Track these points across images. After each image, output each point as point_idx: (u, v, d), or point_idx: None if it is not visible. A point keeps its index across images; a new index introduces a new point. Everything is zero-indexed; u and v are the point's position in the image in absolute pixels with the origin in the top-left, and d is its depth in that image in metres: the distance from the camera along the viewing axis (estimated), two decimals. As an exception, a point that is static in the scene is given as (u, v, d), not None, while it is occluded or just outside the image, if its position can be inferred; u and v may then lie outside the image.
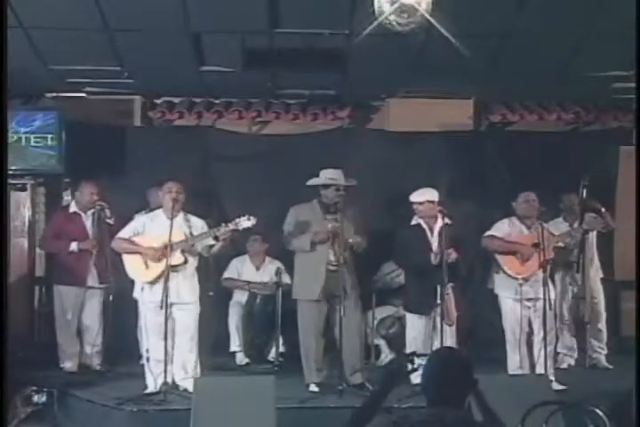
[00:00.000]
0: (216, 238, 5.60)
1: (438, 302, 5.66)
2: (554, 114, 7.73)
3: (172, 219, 5.55)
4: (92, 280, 6.45)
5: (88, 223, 6.51)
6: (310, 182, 5.91)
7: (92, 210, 6.47)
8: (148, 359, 5.69)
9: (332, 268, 5.71)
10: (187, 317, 5.70)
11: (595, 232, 6.58)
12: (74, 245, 6.42)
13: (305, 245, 5.80)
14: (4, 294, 4.65)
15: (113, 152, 7.37)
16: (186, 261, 5.68)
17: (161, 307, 5.46)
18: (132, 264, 5.74)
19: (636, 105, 6.08)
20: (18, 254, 7.08)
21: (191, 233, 5.69)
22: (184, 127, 7.71)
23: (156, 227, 5.71)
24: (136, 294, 5.77)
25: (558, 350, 6.49)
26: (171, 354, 5.63)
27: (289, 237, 5.94)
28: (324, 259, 5.73)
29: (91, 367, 6.50)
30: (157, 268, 5.60)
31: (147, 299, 5.66)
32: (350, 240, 5.74)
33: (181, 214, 5.74)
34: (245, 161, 7.52)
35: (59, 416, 5.62)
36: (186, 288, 5.71)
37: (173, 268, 5.58)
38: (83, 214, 6.56)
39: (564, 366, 6.55)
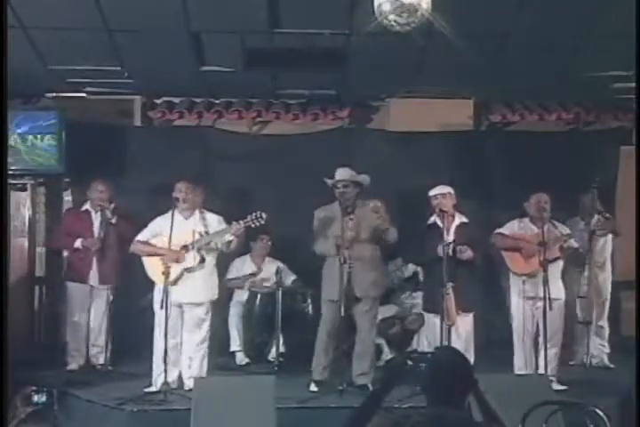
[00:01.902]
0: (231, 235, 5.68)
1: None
2: (554, 114, 7.74)
3: (172, 220, 5.61)
4: (94, 280, 6.47)
5: (97, 222, 6.54)
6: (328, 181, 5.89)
7: (103, 208, 6.51)
8: (165, 360, 5.70)
9: (351, 268, 5.66)
10: (202, 316, 5.78)
11: (610, 235, 6.63)
12: (78, 243, 6.48)
13: (330, 250, 5.74)
14: (4, 294, 4.65)
15: (113, 152, 7.38)
16: (202, 261, 5.72)
17: (161, 307, 5.52)
18: (153, 266, 5.77)
19: (636, 105, 6.09)
20: (18, 254, 7.08)
21: (207, 232, 5.74)
22: (184, 127, 7.72)
23: (173, 228, 5.72)
24: (156, 295, 5.79)
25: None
26: (179, 353, 5.75)
27: (317, 243, 5.88)
28: (343, 260, 5.63)
29: (93, 367, 6.52)
30: (176, 269, 5.65)
31: (165, 299, 5.66)
32: (371, 204, 5.69)
33: (197, 212, 5.81)
34: (245, 161, 7.52)
35: (59, 416, 5.62)
36: (202, 287, 5.78)
37: (190, 268, 5.68)
38: (93, 213, 6.60)
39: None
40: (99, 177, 6.65)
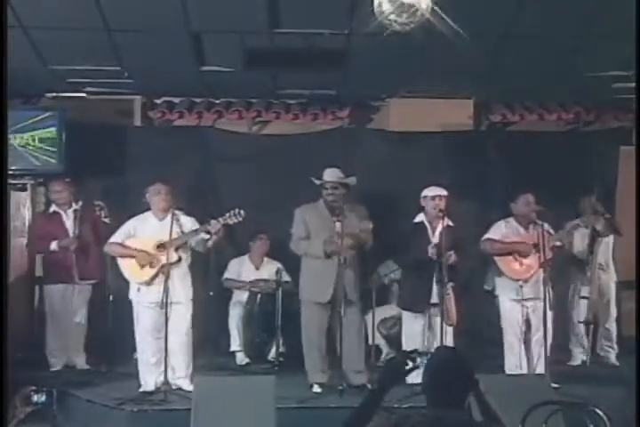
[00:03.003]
0: (208, 233, 5.66)
1: (435, 301, 5.71)
2: (554, 114, 7.73)
3: (171, 220, 5.62)
4: (76, 277, 6.50)
5: (69, 222, 6.58)
6: (316, 181, 5.91)
7: (74, 208, 6.52)
8: (144, 359, 5.72)
9: (339, 270, 5.68)
10: (181, 315, 5.78)
11: (612, 236, 6.65)
12: (54, 244, 6.50)
13: (318, 253, 5.76)
14: (4, 294, 4.65)
15: (113, 152, 7.38)
16: (179, 260, 5.75)
17: (161, 307, 5.54)
18: (127, 266, 5.81)
19: (636, 105, 6.09)
20: (18, 254, 7.07)
21: (182, 231, 5.75)
22: (184, 127, 7.71)
23: (146, 229, 5.80)
24: (132, 294, 5.81)
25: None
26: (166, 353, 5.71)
27: (298, 242, 5.92)
28: (334, 262, 5.68)
29: (90, 367, 6.53)
30: (152, 268, 5.69)
31: (143, 299, 5.72)
32: (361, 225, 5.72)
33: (170, 214, 5.76)
34: (245, 161, 7.52)
35: (58, 416, 5.61)
36: (180, 287, 5.79)
37: (167, 267, 5.66)
38: (62, 213, 6.64)
39: (577, 362, 6.60)
40: (60, 175, 6.75)
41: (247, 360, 6.76)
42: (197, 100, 7.77)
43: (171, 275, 5.67)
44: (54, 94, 7.48)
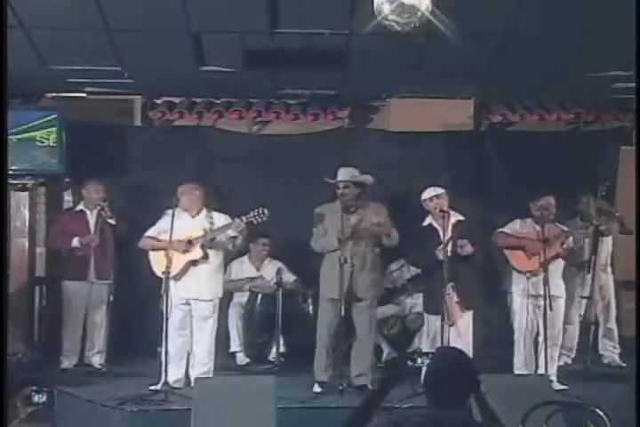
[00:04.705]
0: (234, 231, 5.75)
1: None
2: (554, 114, 7.73)
3: (172, 219, 5.65)
4: (91, 276, 6.51)
5: (92, 221, 6.62)
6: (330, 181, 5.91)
7: (99, 208, 6.54)
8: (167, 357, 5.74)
9: (350, 268, 5.67)
10: (206, 314, 5.84)
11: (611, 236, 6.63)
12: (75, 241, 6.53)
13: (330, 247, 5.73)
14: (4, 294, 4.66)
15: (113, 152, 7.38)
16: (205, 256, 5.77)
17: (162, 307, 5.53)
18: (157, 261, 5.84)
19: (636, 105, 6.09)
20: (18, 254, 7.07)
21: (211, 229, 5.81)
22: (184, 127, 7.71)
23: (180, 225, 5.78)
24: (163, 290, 5.79)
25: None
26: (187, 351, 5.85)
27: (317, 240, 5.88)
28: (344, 260, 5.65)
29: (92, 366, 6.53)
30: (179, 263, 5.73)
31: (171, 294, 5.70)
32: (374, 221, 5.71)
33: (204, 211, 5.91)
34: (245, 161, 7.52)
35: (59, 416, 5.61)
36: (206, 284, 5.84)
37: (193, 262, 5.75)
38: (88, 212, 6.69)
39: (560, 363, 6.57)
40: (94, 177, 6.73)
41: (247, 360, 6.76)
42: (197, 100, 7.77)
43: (198, 271, 5.78)
44: (54, 94, 7.48)
